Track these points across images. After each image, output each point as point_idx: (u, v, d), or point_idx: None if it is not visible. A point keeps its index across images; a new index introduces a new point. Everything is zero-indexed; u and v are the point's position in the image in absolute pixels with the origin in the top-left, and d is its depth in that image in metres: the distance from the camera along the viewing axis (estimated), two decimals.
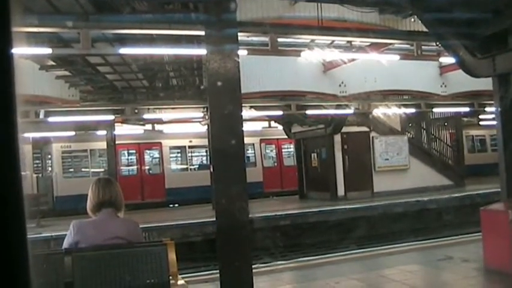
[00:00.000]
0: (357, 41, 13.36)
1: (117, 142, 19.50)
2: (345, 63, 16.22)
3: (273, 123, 26.10)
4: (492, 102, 10.30)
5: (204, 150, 24.48)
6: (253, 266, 6.31)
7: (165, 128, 24.90)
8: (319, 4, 11.58)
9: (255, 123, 25.27)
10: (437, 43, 11.30)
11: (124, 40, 11.38)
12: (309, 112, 19.38)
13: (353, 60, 15.76)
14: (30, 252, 0.85)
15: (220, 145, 5.98)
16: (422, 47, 12.90)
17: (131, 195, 19.75)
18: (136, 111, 18.21)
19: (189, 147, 25.23)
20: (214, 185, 6.18)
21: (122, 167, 23.32)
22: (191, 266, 11.93)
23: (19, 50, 0.88)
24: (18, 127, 0.83)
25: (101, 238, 3.69)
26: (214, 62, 5.84)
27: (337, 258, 10.41)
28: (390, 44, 13.41)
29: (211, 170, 10.95)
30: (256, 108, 19.92)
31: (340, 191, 20.44)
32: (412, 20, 13.18)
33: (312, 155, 22.29)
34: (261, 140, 26.40)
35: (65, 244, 3.70)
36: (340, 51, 14.71)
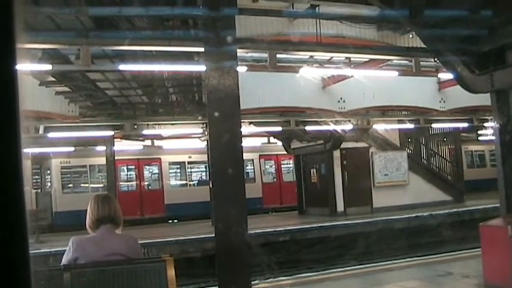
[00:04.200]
0: (356, 57, 13.43)
1: (116, 158, 19.49)
2: (344, 79, 16.29)
3: (272, 139, 26.10)
4: (491, 117, 10.32)
5: (203, 165, 24.41)
6: (252, 283, 6.29)
7: (165, 144, 24.90)
8: (317, 21, 11.66)
9: (254, 139, 25.27)
10: (436, 59, 11.35)
11: (124, 56, 11.44)
12: (308, 128, 19.42)
13: (352, 76, 15.82)
14: (32, 269, 0.86)
15: (220, 162, 5.99)
16: (421, 63, 12.97)
17: (130, 210, 19.70)
18: (135, 127, 18.24)
19: (189, 162, 25.22)
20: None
21: (121, 183, 23.27)
22: (190, 282, 11.88)
23: (21, 66, 0.90)
24: (21, 143, 0.85)
25: (100, 254, 3.68)
26: (213, 79, 5.87)
27: (337, 274, 10.37)
28: (389, 60, 13.48)
29: (211, 185, 10.94)
30: (256, 124, 19.96)
31: (340, 206, 20.40)
32: (411, 36, 13.25)
33: (311, 170, 22.27)
34: (260, 156, 26.40)
35: (64, 260, 3.69)
36: (338, 67, 14.77)
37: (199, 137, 21.63)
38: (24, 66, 0.90)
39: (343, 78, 16.25)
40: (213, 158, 6.26)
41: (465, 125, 22.68)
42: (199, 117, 16.63)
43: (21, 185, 0.84)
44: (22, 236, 0.83)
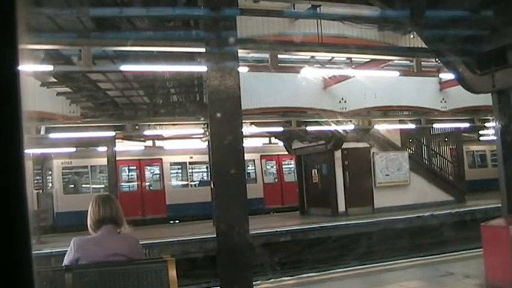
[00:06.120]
0: (357, 57, 13.42)
1: (117, 158, 19.49)
2: (345, 79, 16.27)
3: (273, 140, 26.09)
4: (492, 117, 10.32)
5: (204, 166, 24.44)
6: (254, 283, 6.29)
7: (166, 144, 24.90)
8: (319, 21, 11.66)
9: (255, 139, 25.26)
10: (437, 59, 11.35)
11: (125, 57, 11.44)
12: (309, 128, 19.40)
13: (353, 76, 15.81)
14: (35, 270, 0.86)
15: (221, 162, 5.99)
16: (422, 63, 12.95)
17: (132, 211, 19.70)
18: (137, 127, 18.23)
19: (190, 163, 25.23)
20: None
21: (122, 183, 23.29)
22: (192, 283, 11.87)
23: (24, 67, 0.90)
24: (24, 144, 0.85)
25: (101, 255, 3.68)
26: (214, 79, 5.87)
27: (339, 274, 10.37)
28: (390, 60, 13.47)
29: (212, 186, 10.94)
30: (257, 124, 19.95)
31: (341, 206, 20.39)
32: (412, 36, 13.25)
33: (313, 171, 22.27)
34: (262, 156, 26.39)
35: (66, 261, 3.69)
36: (340, 67, 14.76)
37: (200, 138, 21.63)
38: (26, 67, 0.90)
39: (344, 78, 16.24)
40: (215, 159, 6.26)
41: (466, 125, 22.66)
42: (202, 118, 16.62)
43: (24, 185, 0.84)
44: (25, 236, 0.83)
